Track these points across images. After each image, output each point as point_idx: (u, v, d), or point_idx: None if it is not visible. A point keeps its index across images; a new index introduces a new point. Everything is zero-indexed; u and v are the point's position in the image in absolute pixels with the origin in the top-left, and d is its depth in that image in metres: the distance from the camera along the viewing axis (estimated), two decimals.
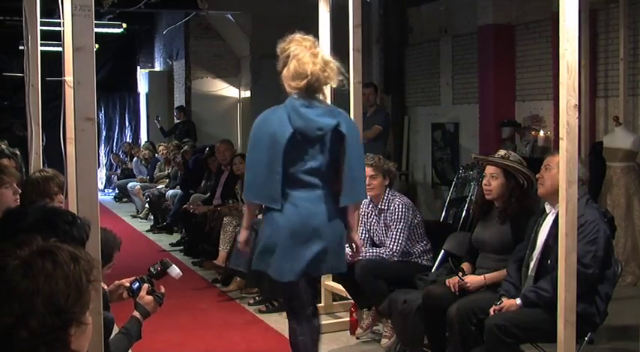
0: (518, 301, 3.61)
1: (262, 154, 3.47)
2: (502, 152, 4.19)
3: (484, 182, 4.13)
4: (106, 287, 3.24)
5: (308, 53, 3.49)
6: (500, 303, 3.66)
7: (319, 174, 3.52)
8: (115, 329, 3.33)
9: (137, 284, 3.23)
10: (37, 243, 1.48)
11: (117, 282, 3.31)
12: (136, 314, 3.17)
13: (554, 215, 3.56)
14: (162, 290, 3.29)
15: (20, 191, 3.41)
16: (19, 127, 10.44)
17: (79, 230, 2.32)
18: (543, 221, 3.75)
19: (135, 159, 13.04)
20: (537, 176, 3.78)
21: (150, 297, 3.20)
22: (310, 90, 3.47)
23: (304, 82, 3.45)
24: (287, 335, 5.10)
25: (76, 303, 1.42)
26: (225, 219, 6.67)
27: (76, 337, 1.45)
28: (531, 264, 3.73)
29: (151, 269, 3.37)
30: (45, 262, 1.42)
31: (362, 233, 4.97)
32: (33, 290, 1.38)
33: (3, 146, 5.20)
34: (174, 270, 3.41)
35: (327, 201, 3.53)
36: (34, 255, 1.44)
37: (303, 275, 3.57)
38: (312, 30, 5.72)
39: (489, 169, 4.10)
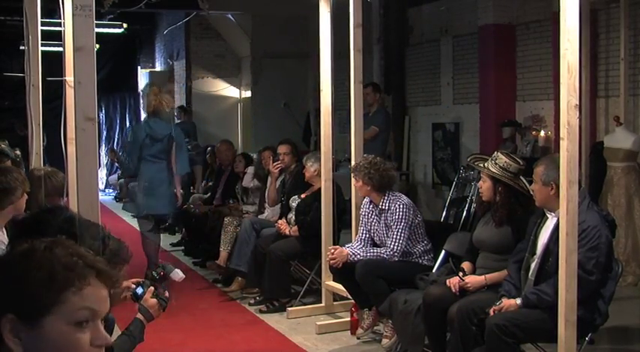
0: (518, 301, 3.61)
1: (134, 146, 6.54)
2: (495, 154, 4.16)
3: (479, 183, 4.21)
4: (126, 283, 3.24)
5: (153, 96, 6.55)
6: (500, 304, 3.66)
7: (160, 156, 6.50)
8: (116, 330, 3.33)
9: (140, 288, 3.23)
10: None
11: (124, 284, 3.31)
12: (140, 316, 3.18)
13: (555, 220, 3.55)
14: (167, 294, 3.30)
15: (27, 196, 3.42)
16: (21, 126, 10.43)
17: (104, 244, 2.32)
18: (543, 224, 3.75)
19: None
20: (530, 187, 3.80)
21: (154, 300, 3.21)
22: (155, 114, 6.52)
23: (151, 110, 6.55)
24: (288, 335, 5.14)
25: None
26: (225, 219, 6.67)
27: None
28: (531, 268, 3.72)
29: (153, 273, 3.37)
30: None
31: (362, 233, 4.98)
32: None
33: (3, 146, 5.20)
34: (177, 274, 3.42)
35: (163, 170, 6.51)
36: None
37: (147, 213, 6.58)
38: (313, 30, 5.73)
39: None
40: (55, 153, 4.42)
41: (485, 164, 4.12)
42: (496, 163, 4.05)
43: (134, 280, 3.27)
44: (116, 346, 3.04)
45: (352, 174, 4.96)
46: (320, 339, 5.04)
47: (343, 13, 5.39)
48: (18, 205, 3.29)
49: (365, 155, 5.09)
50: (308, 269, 6.02)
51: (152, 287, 3.23)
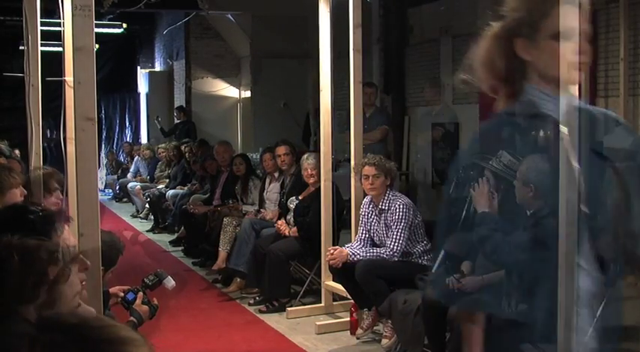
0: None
1: None
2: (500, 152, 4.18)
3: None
4: (114, 289, 3.25)
5: None
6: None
7: None
8: None
9: (132, 295, 3.25)
10: None
11: (112, 290, 3.32)
12: (134, 320, 3.20)
13: None
14: (156, 301, 3.32)
15: (26, 192, 3.41)
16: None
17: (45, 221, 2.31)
18: None
19: (136, 157, 12.98)
20: None
21: (145, 307, 3.24)
22: None
23: None
24: (288, 335, 5.13)
25: None
26: (225, 219, 6.67)
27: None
28: None
29: (146, 280, 3.39)
30: None
31: (362, 233, 4.98)
32: None
33: (2, 146, 5.20)
34: (170, 282, 3.44)
35: None
36: None
37: None
38: (313, 30, 5.73)
39: None
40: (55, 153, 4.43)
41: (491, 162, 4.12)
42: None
43: (124, 287, 3.29)
44: None
45: (375, 170, 4.85)
46: (320, 339, 5.04)
47: (343, 13, 5.40)
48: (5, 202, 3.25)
49: (370, 154, 5.10)
50: (307, 269, 6.02)
51: (141, 293, 3.26)
